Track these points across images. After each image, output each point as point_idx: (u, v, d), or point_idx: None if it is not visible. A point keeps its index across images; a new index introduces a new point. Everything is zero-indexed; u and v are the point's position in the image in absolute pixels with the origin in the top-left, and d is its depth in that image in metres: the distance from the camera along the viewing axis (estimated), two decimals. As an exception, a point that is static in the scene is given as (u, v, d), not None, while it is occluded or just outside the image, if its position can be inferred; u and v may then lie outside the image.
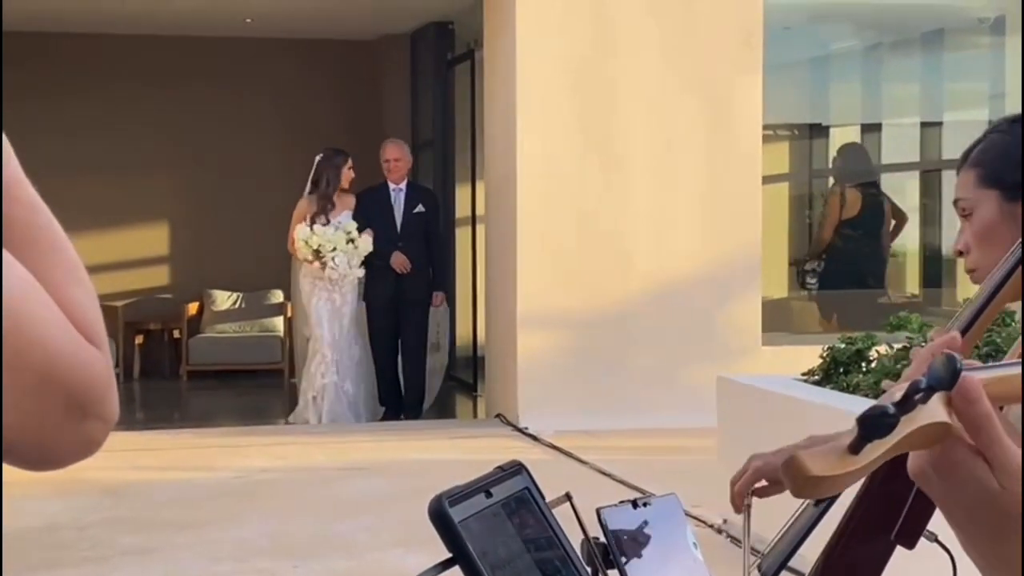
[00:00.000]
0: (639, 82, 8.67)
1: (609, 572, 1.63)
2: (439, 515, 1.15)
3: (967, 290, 8.50)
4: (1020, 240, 1.86)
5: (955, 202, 1.97)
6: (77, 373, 0.95)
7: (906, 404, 0.78)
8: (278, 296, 12.19)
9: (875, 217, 10.25)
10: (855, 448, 0.78)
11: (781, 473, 0.81)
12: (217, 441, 8.35)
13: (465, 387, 10.96)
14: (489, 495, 1.22)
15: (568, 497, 1.45)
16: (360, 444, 8.13)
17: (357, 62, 12.72)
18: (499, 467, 1.27)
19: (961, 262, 2.13)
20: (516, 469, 1.29)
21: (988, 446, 0.79)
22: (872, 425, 0.77)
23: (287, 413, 9.57)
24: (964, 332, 1.92)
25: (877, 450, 0.78)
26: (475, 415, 10.00)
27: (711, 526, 5.55)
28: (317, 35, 12.40)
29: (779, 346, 8.59)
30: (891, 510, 1.33)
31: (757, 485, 1.97)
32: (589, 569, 1.45)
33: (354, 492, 6.72)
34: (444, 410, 10.19)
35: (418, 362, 9.57)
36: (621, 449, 7.62)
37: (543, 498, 1.31)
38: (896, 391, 0.79)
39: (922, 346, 1.93)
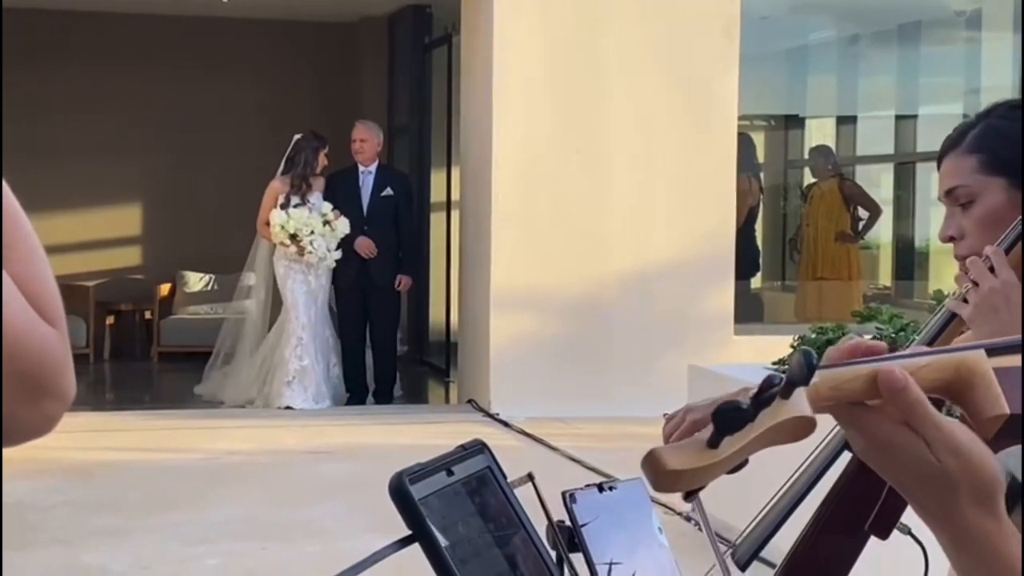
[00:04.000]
0: (617, 69, 8.67)
1: (573, 556, 1.62)
2: (399, 492, 1.14)
3: (939, 282, 8.54)
4: (1002, 242, 1.86)
5: (950, 190, 1.91)
6: (33, 352, 0.94)
7: (759, 399, 0.79)
8: (251, 278, 12.13)
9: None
10: (713, 443, 0.79)
11: (641, 466, 0.82)
12: (188, 423, 8.32)
13: (437, 372, 10.95)
14: (450, 473, 1.22)
15: (530, 477, 1.45)
16: (330, 428, 8.12)
17: (334, 44, 12.68)
18: (461, 446, 1.27)
19: (937, 254, 2.12)
20: (478, 448, 1.29)
21: (922, 427, 0.84)
22: (726, 420, 0.79)
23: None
24: (932, 341, 1.92)
25: (735, 444, 0.79)
26: (447, 400, 10.00)
27: (679, 514, 5.57)
28: (294, 16, 12.35)
29: (752, 336, 8.62)
30: (866, 501, 1.33)
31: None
32: (553, 553, 1.45)
33: (324, 476, 6.71)
34: (416, 395, 10.18)
35: (388, 347, 9.55)
36: (592, 437, 7.63)
37: (505, 478, 1.31)
38: (754, 387, 0.81)
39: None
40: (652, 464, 0.80)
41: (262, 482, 6.65)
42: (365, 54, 12.59)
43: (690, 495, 0.84)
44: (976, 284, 1.76)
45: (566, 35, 8.65)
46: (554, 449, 7.28)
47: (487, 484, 1.28)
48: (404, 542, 1.14)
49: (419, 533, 1.14)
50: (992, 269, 1.76)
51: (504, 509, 1.28)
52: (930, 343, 1.84)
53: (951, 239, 1.94)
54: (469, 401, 8.95)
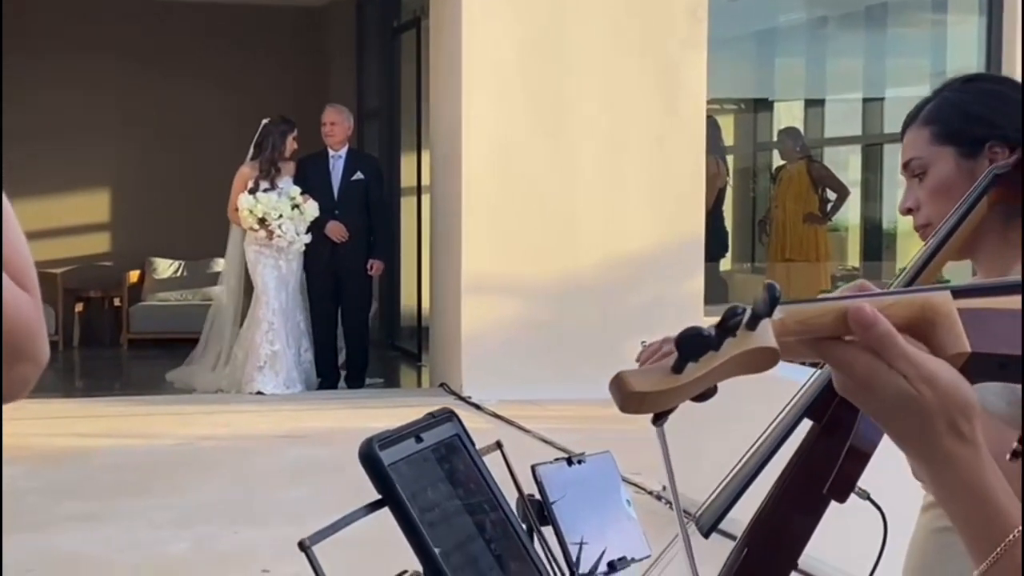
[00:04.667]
0: (586, 53, 8.68)
1: (544, 529, 1.65)
2: (369, 457, 1.16)
3: (907, 262, 8.61)
4: (960, 205, 1.90)
5: (906, 163, 1.98)
6: (11, 316, 0.96)
7: (723, 327, 0.81)
8: (220, 264, 12.11)
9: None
10: (677, 368, 0.82)
11: (609, 389, 0.85)
12: (158, 409, 8.31)
13: (409, 357, 10.96)
14: (419, 440, 1.24)
15: (499, 445, 1.47)
16: (303, 413, 8.12)
17: (303, 29, 12.64)
18: (430, 413, 1.29)
19: (905, 235, 2.16)
20: (447, 416, 1.31)
21: (895, 360, 0.87)
22: (689, 345, 0.81)
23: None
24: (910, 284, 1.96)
25: (699, 370, 0.81)
26: (419, 385, 10.01)
27: (650, 492, 5.61)
28: (263, 1, 12.31)
29: (721, 317, 8.66)
30: (825, 466, 1.36)
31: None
32: (524, 526, 1.47)
33: (296, 460, 6.72)
34: (388, 380, 10.19)
35: (360, 332, 9.55)
36: (563, 418, 7.66)
37: (473, 445, 1.33)
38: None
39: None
40: (618, 386, 0.83)
41: (234, 467, 6.65)
42: (334, 38, 12.56)
43: (658, 419, 0.86)
44: None
45: (534, 18, 8.66)
46: (526, 431, 7.31)
47: (456, 451, 1.30)
48: (374, 506, 1.16)
49: (389, 497, 1.16)
50: None
51: (472, 475, 1.30)
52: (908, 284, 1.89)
53: (909, 211, 1.99)
54: (441, 385, 8.97)
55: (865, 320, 0.85)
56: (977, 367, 0.87)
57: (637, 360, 2.04)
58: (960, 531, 0.92)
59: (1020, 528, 0.88)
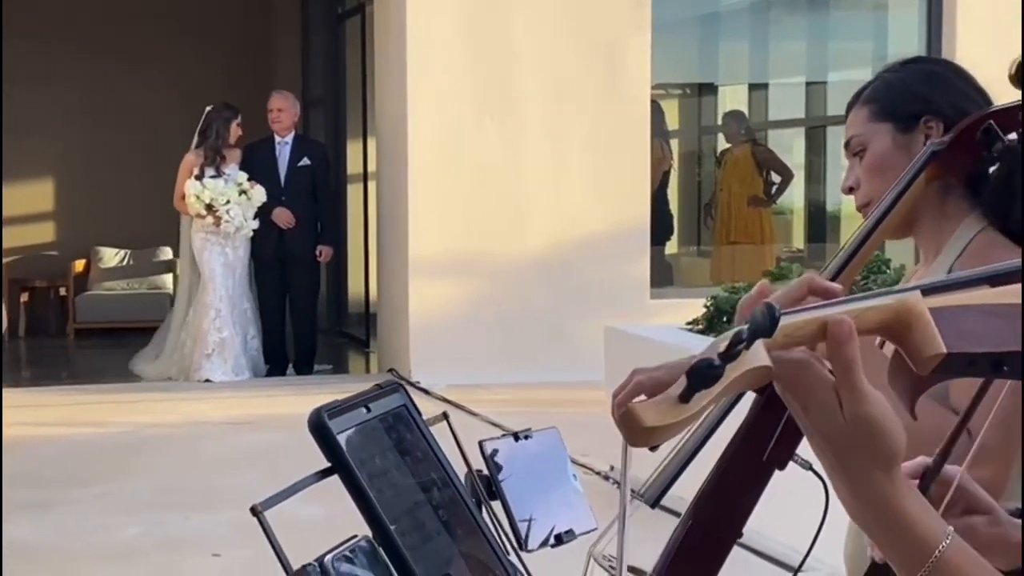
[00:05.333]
0: (530, 36, 8.72)
1: (492, 502, 1.68)
2: (318, 426, 1.20)
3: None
4: (898, 182, 1.95)
5: (847, 142, 2.04)
6: None
7: (730, 354, 0.83)
8: (167, 253, 12.06)
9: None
10: (685, 398, 0.84)
11: (617, 424, 0.86)
12: (106, 398, 8.27)
13: (357, 343, 10.96)
14: (368, 410, 1.28)
15: (445, 416, 1.51)
16: (250, 399, 8.12)
17: (247, 15, 12.58)
18: (377, 384, 1.33)
19: (849, 217, 2.22)
20: (394, 387, 1.35)
21: (845, 387, 0.89)
22: (700, 376, 0.83)
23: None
24: (835, 277, 2.02)
25: (705, 398, 0.84)
26: (367, 370, 10.03)
27: (598, 473, 5.67)
28: (206, -12, 12.24)
29: (668, 299, 8.74)
30: (769, 437, 1.41)
31: (637, 400, 2.04)
32: (472, 500, 1.51)
33: (245, 446, 6.72)
34: (336, 366, 10.19)
35: (308, 319, 9.54)
36: (512, 402, 7.71)
37: (420, 415, 1.37)
38: (721, 342, 0.85)
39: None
40: (630, 421, 0.84)
41: (183, 453, 6.65)
42: (279, 25, 12.51)
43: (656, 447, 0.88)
44: None
45: (479, 4, 8.68)
46: (475, 414, 7.35)
47: (403, 421, 1.33)
48: (324, 474, 1.19)
49: (338, 465, 1.19)
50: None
51: (420, 444, 1.34)
52: (845, 263, 1.95)
53: (851, 190, 2.05)
54: (390, 370, 8.99)
55: (842, 335, 0.87)
56: (947, 364, 0.88)
57: (617, 402, 2.08)
58: (882, 550, 0.95)
59: (937, 552, 0.91)
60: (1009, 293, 0.91)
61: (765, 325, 0.84)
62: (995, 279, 0.94)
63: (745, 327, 0.84)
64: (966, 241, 1.95)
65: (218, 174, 8.98)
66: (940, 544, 0.92)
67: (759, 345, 0.84)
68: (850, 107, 2.07)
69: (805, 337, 0.87)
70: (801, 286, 0.94)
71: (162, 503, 5.64)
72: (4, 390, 8.15)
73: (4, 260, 11.60)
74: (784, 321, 0.85)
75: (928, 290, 0.90)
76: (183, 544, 5.14)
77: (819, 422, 0.90)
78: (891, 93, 2.02)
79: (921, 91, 1.99)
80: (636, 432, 0.84)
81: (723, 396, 0.85)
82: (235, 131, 9.13)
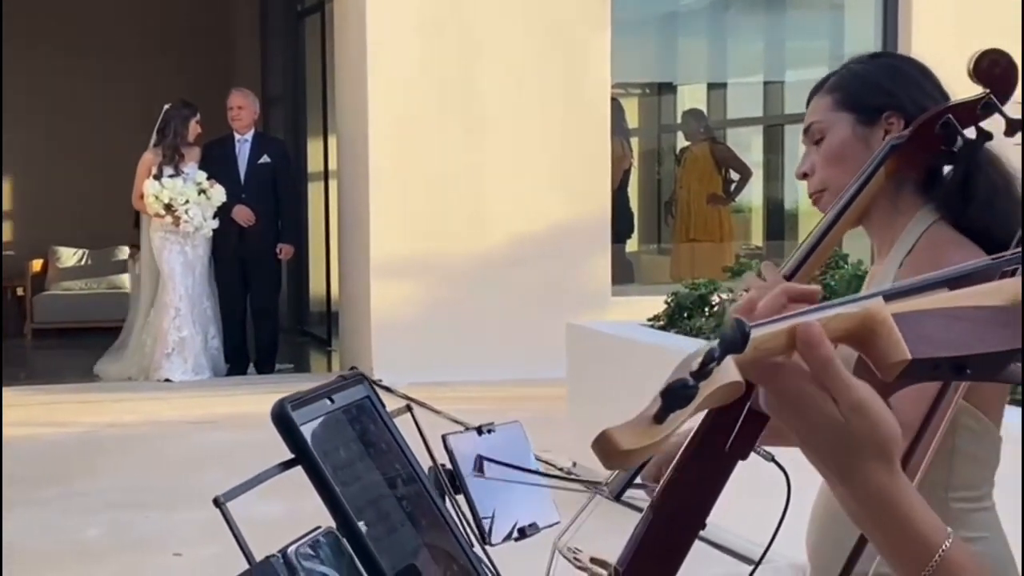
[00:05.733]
0: (491, 35, 8.72)
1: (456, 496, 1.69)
2: (281, 417, 1.19)
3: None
4: (859, 175, 1.97)
5: (807, 127, 2.05)
6: None
7: (703, 372, 0.83)
8: (125, 252, 11.98)
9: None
10: (660, 418, 0.83)
11: (593, 448, 0.85)
12: (66, 398, 8.21)
13: (319, 342, 10.93)
14: (331, 401, 1.28)
15: (408, 408, 1.51)
16: (211, 398, 8.08)
17: (206, 13, 12.51)
18: (340, 375, 1.32)
19: (807, 215, 2.23)
20: (357, 378, 1.35)
21: (832, 384, 0.88)
22: (674, 397, 0.83)
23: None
24: (792, 275, 2.03)
25: (680, 417, 0.84)
26: (329, 369, 10.00)
27: (560, 469, 5.68)
28: (164, -14, 12.17)
29: (629, 297, 8.77)
30: (729, 426, 1.42)
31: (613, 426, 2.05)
32: (436, 492, 1.51)
33: (207, 445, 6.69)
34: (297, 365, 10.16)
35: (269, 318, 9.51)
36: (475, 399, 7.71)
37: (384, 406, 1.37)
38: (693, 359, 0.85)
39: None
40: (605, 445, 0.83)
41: (144, 453, 6.61)
42: (238, 22, 12.45)
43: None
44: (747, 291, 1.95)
45: (440, 4, 8.67)
46: (437, 412, 7.34)
47: (367, 412, 1.33)
48: (287, 465, 1.19)
49: (302, 456, 1.19)
50: (762, 277, 1.95)
51: (384, 435, 1.34)
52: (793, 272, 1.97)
53: (805, 176, 2.06)
54: (351, 369, 8.95)
55: (812, 339, 0.86)
56: (911, 370, 0.88)
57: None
58: (881, 553, 0.93)
59: (941, 551, 0.90)
60: (968, 296, 0.92)
61: (736, 341, 0.84)
62: (954, 282, 0.94)
63: (716, 344, 0.84)
64: (917, 235, 1.97)
65: (176, 173, 8.92)
66: (943, 543, 0.90)
67: (730, 361, 0.84)
68: (814, 93, 2.08)
69: (777, 348, 0.87)
70: (780, 295, 0.93)
71: (123, 503, 5.61)
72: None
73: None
74: (754, 334, 0.85)
75: (890, 295, 0.91)
76: (145, 544, 5.12)
77: (816, 422, 0.88)
78: (856, 84, 2.03)
79: (886, 85, 2.01)
80: (613, 455, 0.84)
81: (696, 413, 0.85)
82: (194, 129, 9.08)
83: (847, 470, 0.89)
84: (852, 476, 0.89)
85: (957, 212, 1.96)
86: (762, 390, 0.90)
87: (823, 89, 2.06)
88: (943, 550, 0.90)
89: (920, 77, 2.03)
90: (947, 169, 2.02)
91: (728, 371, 0.84)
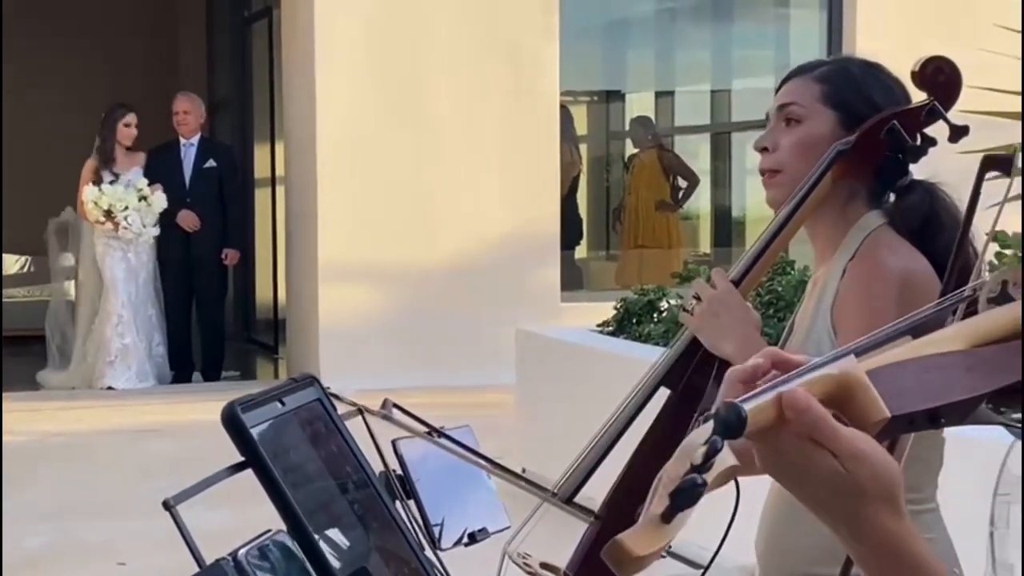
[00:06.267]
0: (440, 41, 8.72)
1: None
2: (231, 420, 1.19)
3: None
4: (806, 180, 1.98)
5: (784, 104, 2.02)
6: None
7: (707, 467, 0.84)
8: (69, 259, 11.83)
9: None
10: (668, 518, 0.84)
11: (606, 559, 0.85)
12: (8, 406, 8.08)
13: (265, 349, 10.86)
14: (282, 404, 1.27)
15: (360, 411, 1.50)
16: (156, 406, 8.01)
17: (152, 17, 12.42)
18: (291, 378, 1.32)
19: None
20: (308, 381, 1.34)
21: (829, 441, 0.89)
22: (686, 497, 0.83)
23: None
24: (741, 279, 2.04)
25: (687, 515, 0.84)
26: (276, 376, 9.94)
27: (511, 473, 5.67)
28: (110, -10, 12.07)
29: (578, 303, 8.79)
30: (683, 433, 1.42)
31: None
32: (388, 495, 1.51)
33: (152, 453, 6.63)
34: (244, 373, 10.09)
35: (215, 324, 9.44)
36: (423, 406, 7.64)
37: (335, 409, 1.36)
38: (693, 451, 0.84)
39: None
40: (617, 554, 0.83)
41: (88, 461, 6.54)
42: (184, 27, 12.37)
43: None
44: (698, 298, 1.96)
45: (387, 6, 8.66)
46: (388, 418, 7.32)
47: (318, 415, 1.33)
48: (237, 468, 1.19)
49: (252, 459, 1.18)
50: (711, 282, 1.96)
51: (334, 438, 1.33)
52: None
53: (764, 149, 2.05)
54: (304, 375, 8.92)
55: (799, 405, 0.87)
56: (890, 427, 0.90)
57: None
58: None
59: None
60: (932, 343, 0.93)
61: (734, 426, 0.85)
62: (916, 331, 0.97)
63: (716, 438, 0.84)
64: (859, 241, 1.98)
65: (115, 179, 8.86)
66: None
67: (726, 445, 0.85)
68: (798, 73, 2.06)
69: (767, 419, 0.88)
70: (766, 360, 0.94)
71: (66, 512, 5.55)
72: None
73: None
74: (746, 408, 0.86)
75: (860, 352, 0.92)
76: (88, 553, 5.06)
77: (820, 478, 0.89)
78: (850, 86, 2.02)
79: (877, 100, 2.00)
80: (626, 563, 0.84)
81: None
82: (125, 131, 8.97)
83: (855, 519, 0.90)
84: (860, 523, 0.90)
85: (916, 235, 1.97)
86: (757, 451, 0.90)
87: (811, 74, 2.04)
88: None
89: (903, 101, 2.03)
90: (894, 175, 2.04)
91: (725, 456, 0.85)
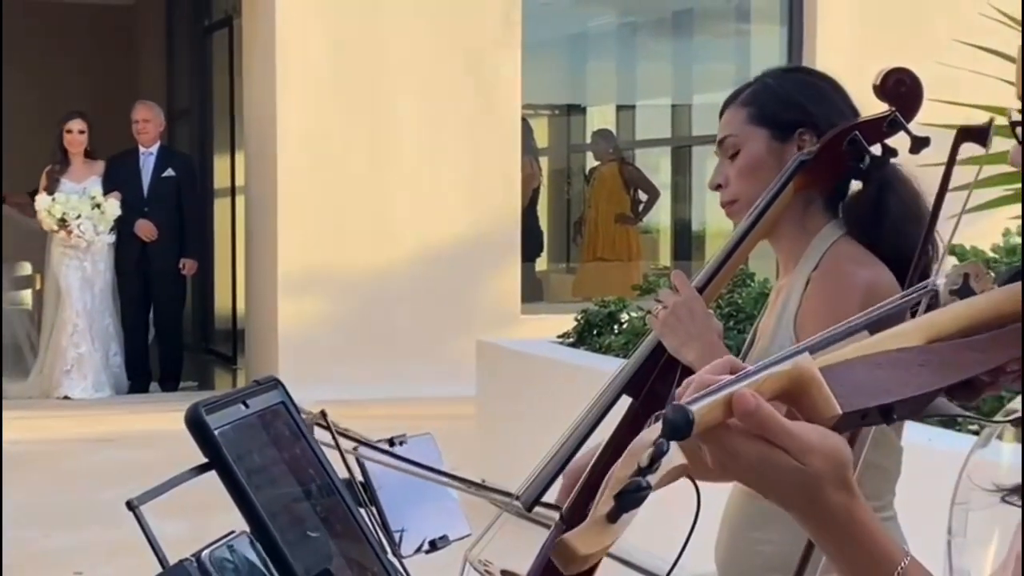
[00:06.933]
0: (401, 52, 8.72)
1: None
2: (195, 421, 1.18)
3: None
4: (768, 190, 2.00)
5: (721, 140, 2.07)
6: None
7: (654, 469, 0.85)
8: (26, 268, 11.73)
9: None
10: (613, 518, 0.85)
11: (553, 557, 0.86)
12: (-38, 416, 8.02)
13: (223, 360, 10.80)
14: (246, 406, 1.26)
15: (323, 414, 1.50)
16: (113, 416, 7.95)
17: (112, 27, 12.35)
18: (255, 380, 1.31)
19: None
20: (272, 384, 1.33)
21: (779, 438, 0.90)
22: (629, 499, 0.84)
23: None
24: (703, 288, 2.06)
25: (632, 516, 0.85)
26: (234, 386, 9.88)
27: (471, 482, 5.67)
28: (69, -3, 11.99)
29: (538, 315, 8.80)
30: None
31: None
32: (350, 498, 1.50)
33: (108, 463, 6.58)
34: (202, 383, 10.03)
35: (173, 334, 9.38)
36: (382, 418, 7.66)
37: (299, 412, 1.36)
38: (640, 452, 0.85)
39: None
40: (565, 553, 0.84)
41: (44, 470, 6.48)
42: (143, 36, 12.31)
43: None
44: (663, 305, 1.97)
45: (348, 17, 8.66)
46: (345, 433, 7.29)
47: (281, 417, 1.32)
48: (201, 469, 1.18)
49: (216, 461, 1.18)
50: (676, 289, 1.97)
51: (298, 441, 1.33)
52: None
53: (719, 187, 2.08)
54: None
55: (748, 407, 0.88)
56: (842, 422, 0.91)
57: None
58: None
59: (901, 568, 0.92)
60: (888, 339, 0.94)
61: (681, 428, 0.85)
62: (873, 326, 0.98)
63: (663, 440, 0.85)
64: (822, 251, 2.00)
65: (72, 185, 8.82)
66: (903, 561, 0.93)
67: (673, 446, 0.86)
68: (727, 104, 2.10)
69: (716, 419, 0.89)
70: (724, 367, 0.94)
71: (22, 520, 5.48)
72: None
73: None
74: (693, 408, 0.87)
75: (815, 348, 0.93)
76: (44, 562, 5.01)
77: (775, 476, 0.91)
78: (772, 100, 2.05)
79: (800, 101, 2.03)
80: (572, 561, 0.85)
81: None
82: (69, 137, 8.91)
83: (812, 505, 0.92)
84: (817, 509, 0.92)
85: (867, 230, 1.99)
86: (711, 454, 0.91)
87: (737, 101, 2.08)
88: (903, 566, 0.92)
89: (833, 93, 2.06)
90: (854, 185, 2.06)
91: (672, 455, 0.86)
